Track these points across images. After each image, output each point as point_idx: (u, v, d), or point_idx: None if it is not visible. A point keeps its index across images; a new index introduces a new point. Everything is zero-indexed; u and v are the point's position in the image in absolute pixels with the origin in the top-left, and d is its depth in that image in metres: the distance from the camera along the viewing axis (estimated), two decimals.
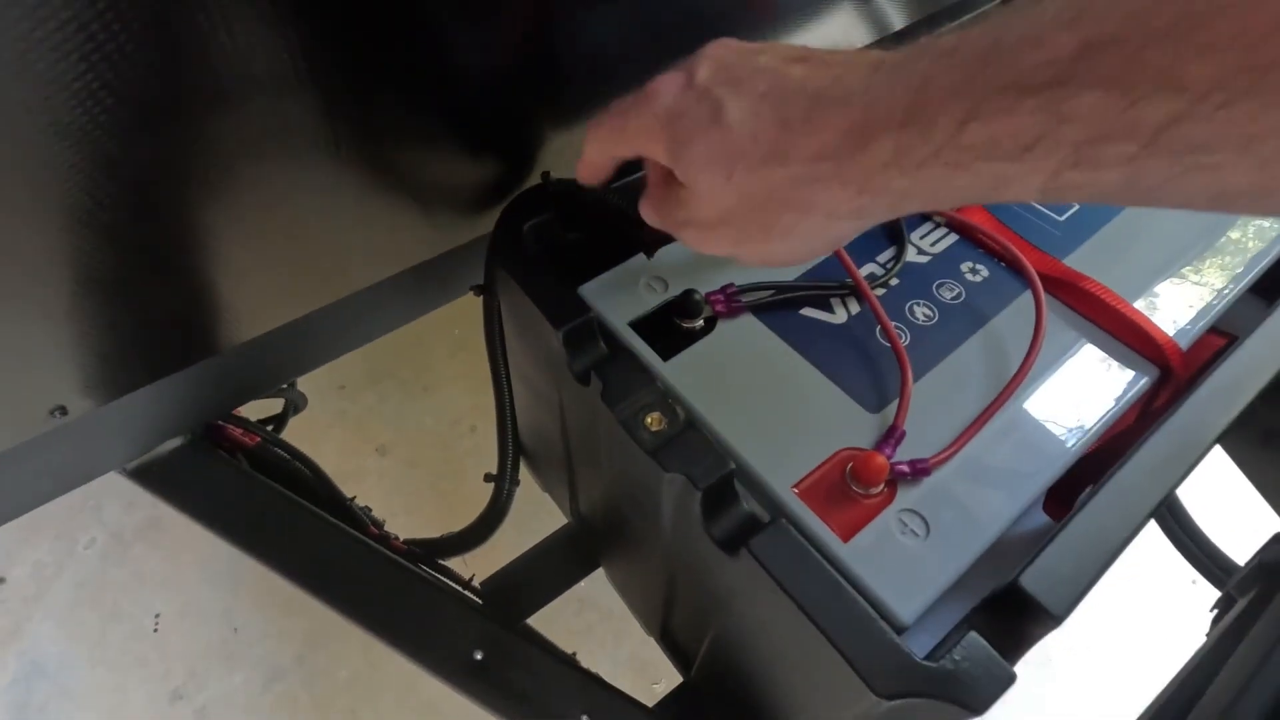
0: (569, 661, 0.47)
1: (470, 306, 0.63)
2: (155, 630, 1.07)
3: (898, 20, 0.63)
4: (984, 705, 0.27)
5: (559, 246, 0.44)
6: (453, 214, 0.52)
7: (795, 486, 0.36)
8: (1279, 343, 0.41)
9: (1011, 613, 0.29)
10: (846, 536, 0.34)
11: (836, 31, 0.60)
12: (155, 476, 0.53)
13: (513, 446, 0.58)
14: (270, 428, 0.64)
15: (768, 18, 0.55)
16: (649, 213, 0.33)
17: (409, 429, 1.31)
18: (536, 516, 0.65)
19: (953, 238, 0.48)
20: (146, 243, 0.38)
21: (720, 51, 0.27)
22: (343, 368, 1.36)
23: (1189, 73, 0.17)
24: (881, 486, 0.36)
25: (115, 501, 1.19)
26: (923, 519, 0.35)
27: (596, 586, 0.64)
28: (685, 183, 0.28)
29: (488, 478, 0.59)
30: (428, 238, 0.52)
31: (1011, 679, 0.27)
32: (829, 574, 0.30)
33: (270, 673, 1.03)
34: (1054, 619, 0.28)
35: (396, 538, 0.62)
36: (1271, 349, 0.41)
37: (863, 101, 0.23)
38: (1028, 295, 0.44)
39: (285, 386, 0.63)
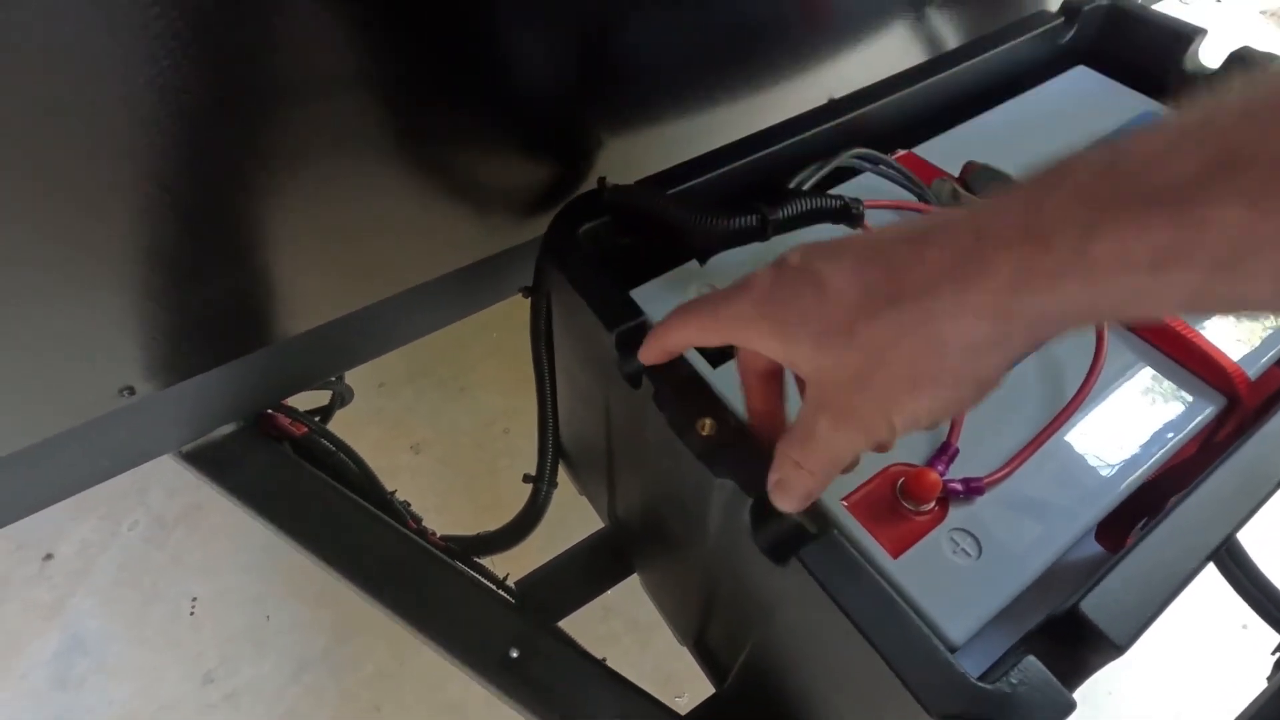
0: (601, 666, 0.47)
1: (509, 311, 0.64)
2: (192, 613, 1.09)
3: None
4: None
5: (612, 251, 0.45)
6: (506, 216, 0.53)
7: (845, 500, 0.35)
8: None
9: (1071, 639, 0.28)
10: (896, 552, 0.34)
11: (885, 47, 0.60)
12: (208, 460, 0.55)
13: (553, 448, 0.58)
14: (317, 419, 0.65)
15: (819, 22, 0.55)
16: (799, 478, 0.28)
17: (444, 428, 1.32)
18: (565, 522, 0.65)
19: None
20: (215, 234, 0.39)
21: (807, 244, 0.27)
22: (383, 365, 1.38)
23: None
24: (933, 504, 0.35)
25: (159, 487, 1.23)
26: (975, 539, 0.34)
27: (622, 595, 0.64)
28: (803, 369, 0.26)
29: (526, 478, 0.60)
30: (481, 239, 0.53)
31: (1071, 706, 0.26)
32: (881, 588, 0.29)
33: (299, 663, 1.05)
34: (1116, 648, 0.27)
35: (434, 533, 0.63)
36: None
37: (970, 227, 0.22)
38: None
39: (334, 379, 0.65)
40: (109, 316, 0.38)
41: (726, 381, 0.39)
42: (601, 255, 0.44)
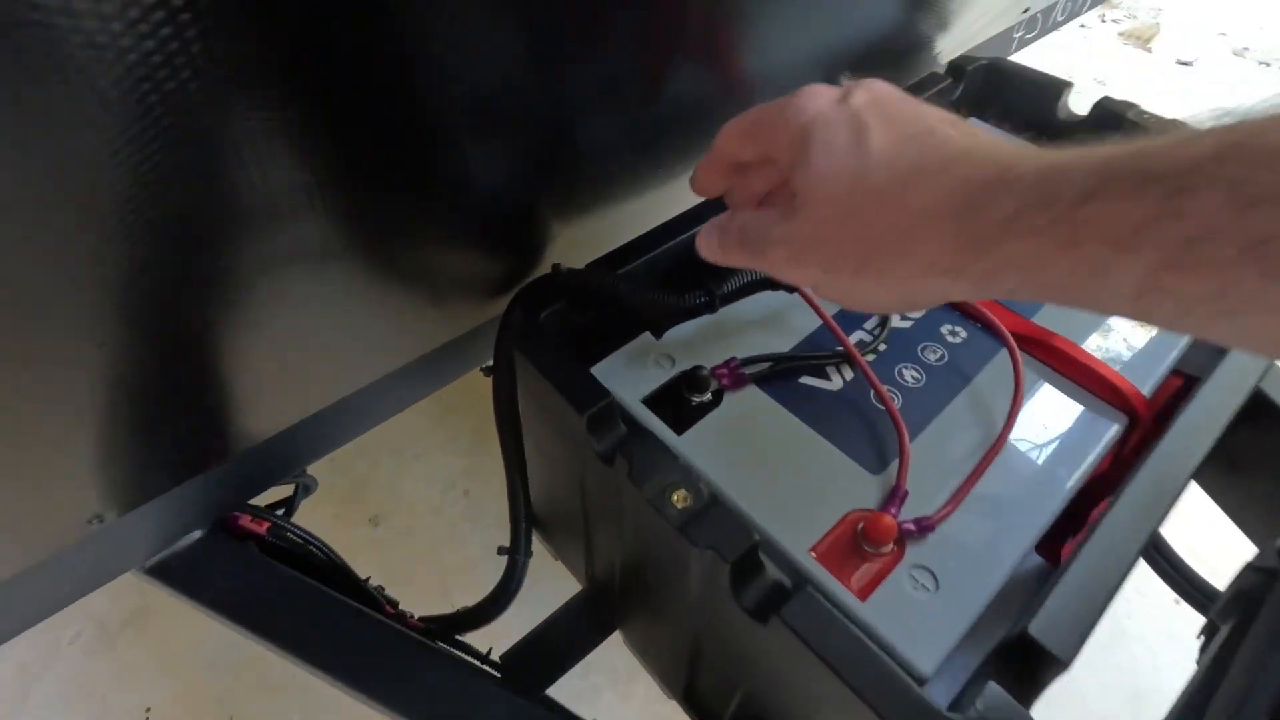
0: None
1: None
2: None
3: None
4: None
5: (570, 329, 0.47)
6: (462, 304, 0.55)
7: (812, 550, 0.38)
8: (1237, 379, 0.45)
9: (1023, 660, 0.32)
10: (864, 595, 0.37)
11: None
12: (174, 572, 0.54)
13: (525, 519, 0.59)
14: (281, 511, 0.65)
15: (742, 95, 0.59)
16: (725, 237, 0.32)
17: (402, 497, 1.30)
18: (538, 586, 0.66)
19: None
20: (178, 357, 0.40)
21: (880, 86, 0.28)
22: None
23: None
24: (891, 545, 0.38)
25: (100, 591, 1.16)
26: (931, 573, 0.37)
27: (599, 648, 0.65)
28: (800, 189, 0.27)
29: (501, 550, 0.61)
30: (438, 327, 0.55)
31: None
32: (854, 635, 0.32)
33: None
34: (1062, 664, 0.31)
35: (412, 615, 0.63)
36: (1230, 386, 0.45)
37: (1001, 165, 0.23)
38: (1003, 353, 0.48)
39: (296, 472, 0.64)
40: (77, 451, 0.38)
41: (692, 448, 0.42)
42: (561, 335, 0.46)
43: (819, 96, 0.28)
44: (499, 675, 0.59)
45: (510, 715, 0.51)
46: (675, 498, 0.36)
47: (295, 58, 0.31)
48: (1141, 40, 2.37)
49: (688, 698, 0.51)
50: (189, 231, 0.34)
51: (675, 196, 0.59)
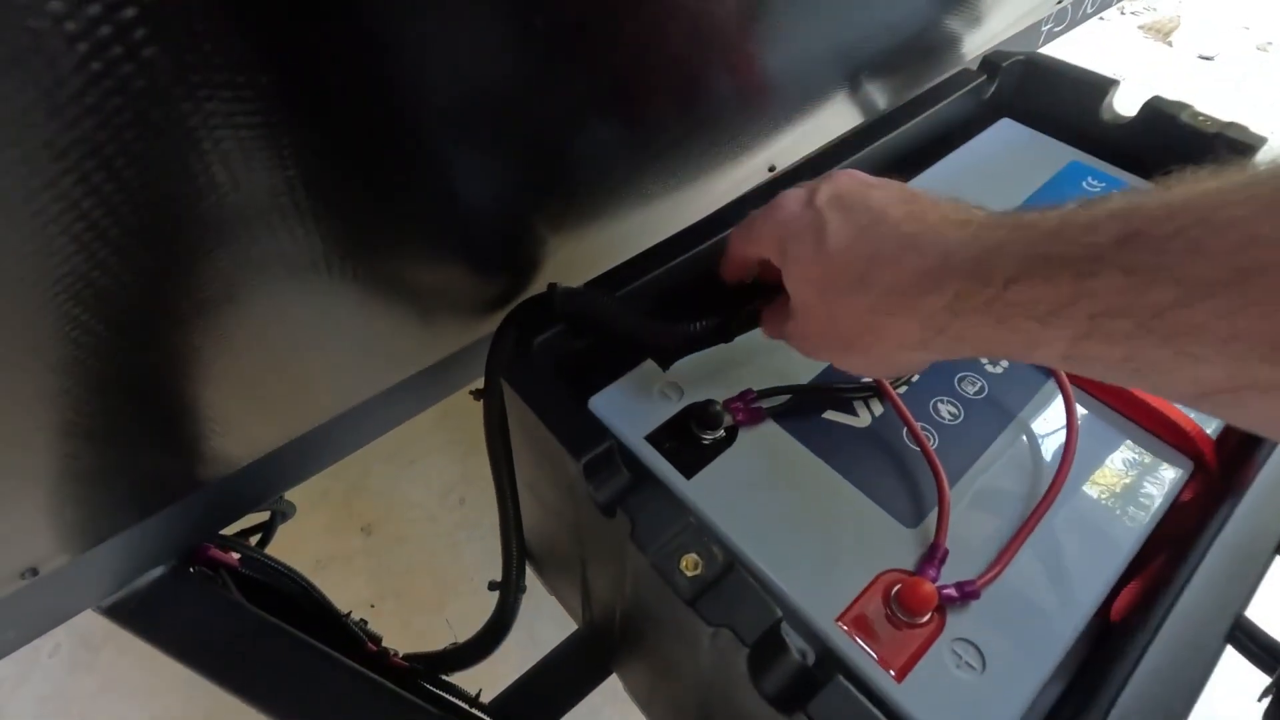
0: None
1: None
2: None
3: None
4: None
5: (566, 356, 0.42)
6: (451, 323, 0.50)
7: (839, 620, 0.33)
8: None
9: None
10: (901, 675, 0.32)
11: (820, 114, 0.60)
12: (131, 612, 0.49)
13: (517, 552, 0.55)
14: (258, 537, 0.60)
15: (756, 97, 0.54)
16: (771, 325, 0.38)
17: (396, 505, 1.26)
18: (530, 623, 0.61)
19: None
20: (133, 381, 0.35)
21: (843, 179, 0.32)
22: None
23: (1188, 269, 0.20)
24: (930, 614, 0.34)
25: None
26: (977, 649, 0.33)
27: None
28: (788, 287, 0.32)
29: (492, 585, 0.56)
30: (426, 348, 0.50)
31: None
32: None
33: None
34: None
35: (396, 653, 0.58)
36: None
37: (942, 252, 0.26)
38: (1049, 385, 0.43)
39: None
40: (14, 495, 0.33)
41: (702, 494, 0.37)
42: (556, 362, 0.42)
43: (790, 202, 0.32)
44: None
45: None
46: (685, 564, 0.31)
47: (281, 66, 0.27)
48: (1162, 34, 2.30)
49: None
50: (161, 244, 0.30)
51: (680, 210, 0.53)
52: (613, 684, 1.05)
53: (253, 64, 0.26)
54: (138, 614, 0.49)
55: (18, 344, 0.28)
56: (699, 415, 0.40)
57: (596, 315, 0.40)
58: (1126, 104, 0.60)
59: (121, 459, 0.38)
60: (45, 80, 0.22)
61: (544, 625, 0.62)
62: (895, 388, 0.42)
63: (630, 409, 0.41)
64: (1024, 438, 0.41)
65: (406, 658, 0.58)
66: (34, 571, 0.36)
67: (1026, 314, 0.24)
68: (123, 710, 1.02)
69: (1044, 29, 0.96)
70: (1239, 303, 0.19)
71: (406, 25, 0.30)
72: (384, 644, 0.60)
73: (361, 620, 0.60)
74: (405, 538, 1.23)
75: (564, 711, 0.55)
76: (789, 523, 0.37)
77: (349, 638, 0.57)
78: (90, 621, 1.16)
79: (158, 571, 0.51)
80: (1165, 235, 0.20)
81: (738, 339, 0.40)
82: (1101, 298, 0.22)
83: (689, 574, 0.31)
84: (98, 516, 0.40)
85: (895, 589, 0.34)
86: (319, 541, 1.24)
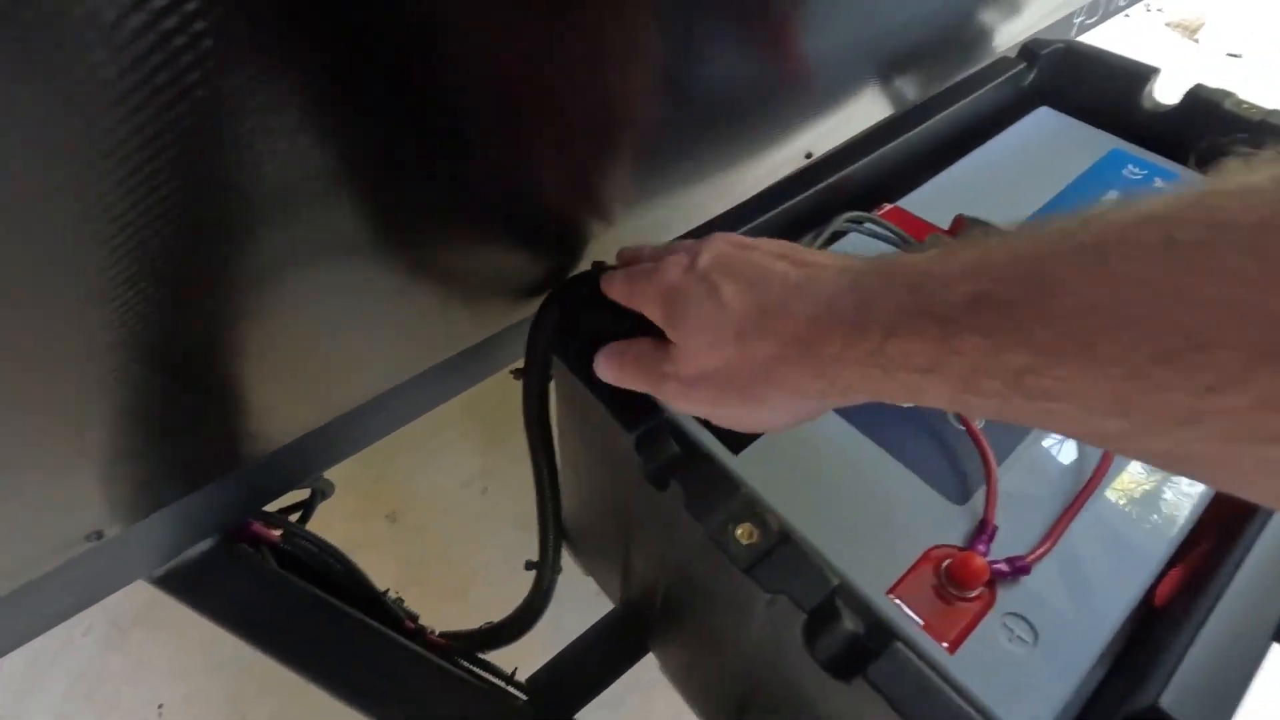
0: None
1: None
2: None
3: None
4: None
5: (609, 334, 0.43)
6: (492, 304, 0.50)
7: (890, 592, 0.34)
8: None
9: None
10: (953, 647, 0.32)
11: (858, 102, 0.61)
12: (182, 582, 0.50)
13: (554, 533, 0.55)
14: (298, 515, 0.61)
15: (796, 84, 0.54)
16: (624, 360, 0.35)
17: (419, 493, 1.27)
18: (563, 604, 0.62)
19: None
20: (191, 363, 0.36)
21: (721, 245, 0.32)
22: None
23: (1035, 334, 0.20)
24: (981, 588, 0.34)
25: None
26: (1029, 623, 0.33)
27: None
28: (677, 342, 0.31)
29: (529, 565, 0.57)
30: (466, 329, 0.51)
31: None
32: (952, 700, 0.28)
33: None
34: None
35: (432, 631, 0.59)
36: None
37: (826, 299, 0.27)
38: None
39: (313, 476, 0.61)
40: (70, 463, 0.34)
41: (749, 470, 0.38)
42: (600, 340, 0.42)
43: (672, 268, 0.32)
44: (524, 698, 0.55)
45: None
46: (740, 533, 0.32)
47: (322, 38, 0.27)
48: (1189, 31, 2.27)
49: None
50: (206, 226, 0.30)
51: (716, 195, 0.54)
52: (634, 674, 1.06)
53: (301, 36, 0.26)
54: (187, 584, 0.50)
55: (81, 325, 0.29)
56: None
57: None
58: (1163, 96, 0.60)
59: (173, 434, 0.39)
60: (100, 56, 0.22)
61: (569, 615, 0.62)
62: None
63: None
64: None
65: (443, 635, 0.59)
66: (99, 535, 0.37)
67: (907, 367, 0.23)
68: (151, 689, 1.04)
69: (1076, 21, 0.96)
70: (1085, 370, 0.19)
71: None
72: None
73: (399, 598, 0.61)
74: (427, 527, 1.25)
75: (600, 689, 0.56)
76: (836, 499, 0.37)
77: (387, 615, 0.58)
78: (121, 604, 1.18)
79: (205, 545, 0.52)
80: (1011, 300, 0.20)
81: None
82: (968, 357, 0.21)
83: (744, 543, 0.31)
84: (151, 488, 0.40)
85: (945, 563, 0.34)
86: (346, 527, 1.25)
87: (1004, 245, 0.21)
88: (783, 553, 0.31)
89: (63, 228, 0.26)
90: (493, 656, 0.60)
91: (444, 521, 1.25)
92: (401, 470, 1.29)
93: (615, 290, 0.37)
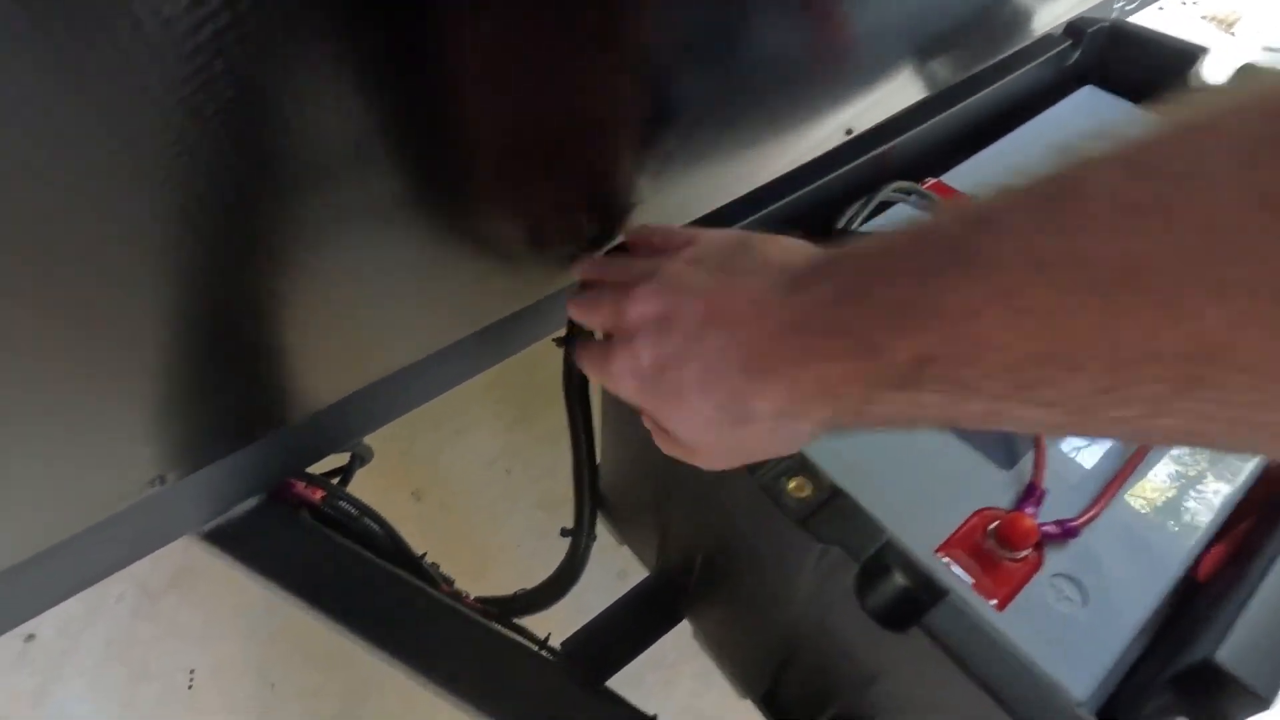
0: None
1: None
2: (190, 687, 1.03)
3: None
4: None
5: None
6: (535, 270, 0.51)
7: (939, 551, 0.34)
8: None
9: (1208, 693, 0.27)
10: (1002, 605, 0.32)
11: (899, 79, 0.60)
12: (230, 539, 0.51)
13: (591, 500, 0.56)
14: (336, 480, 0.62)
15: (838, 58, 0.54)
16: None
17: (443, 472, 1.28)
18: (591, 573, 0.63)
19: None
20: (241, 320, 0.37)
21: (677, 272, 0.29)
22: None
23: (985, 388, 0.19)
24: (1029, 549, 0.34)
25: None
26: (1077, 584, 0.33)
27: None
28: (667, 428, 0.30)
29: (564, 532, 0.57)
30: (509, 294, 0.52)
31: None
32: (1006, 652, 0.28)
33: None
34: (1261, 701, 0.26)
35: (468, 595, 0.60)
36: None
37: (779, 324, 0.25)
38: None
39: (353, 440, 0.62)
40: (144, 412, 0.35)
41: None
42: None
43: (622, 368, 0.30)
44: (559, 664, 0.56)
45: (568, 704, 0.47)
46: (792, 486, 0.32)
47: None
48: (1225, 24, 2.23)
49: (768, 701, 0.47)
50: (253, 184, 0.31)
51: (766, 164, 0.54)
52: (656, 651, 1.07)
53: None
54: (234, 540, 0.51)
55: (137, 281, 0.30)
56: None
57: None
58: (1210, 78, 0.59)
59: (230, 388, 0.40)
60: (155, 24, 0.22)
61: (592, 595, 0.63)
62: None
63: None
64: None
65: (479, 600, 0.60)
66: (161, 479, 0.38)
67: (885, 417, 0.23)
68: (182, 656, 1.06)
69: (1116, 6, 0.95)
70: (1030, 408, 0.19)
71: None
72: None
73: (434, 564, 0.62)
74: (451, 505, 1.26)
75: (633, 655, 0.56)
76: (883, 461, 0.37)
77: (425, 579, 0.59)
78: (151, 572, 1.21)
79: (251, 503, 0.53)
80: (955, 362, 0.19)
81: None
82: (931, 409, 0.21)
83: (797, 496, 0.32)
84: (208, 439, 0.42)
85: (994, 525, 0.34)
86: (371, 503, 1.27)
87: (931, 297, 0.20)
88: (835, 506, 0.31)
89: (116, 171, 0.26)
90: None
91: (468, 500, 1.27)
92: (426, 449, 1.31)
93: (578, 313, 0.36)
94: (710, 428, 0.27)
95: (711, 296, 0.27)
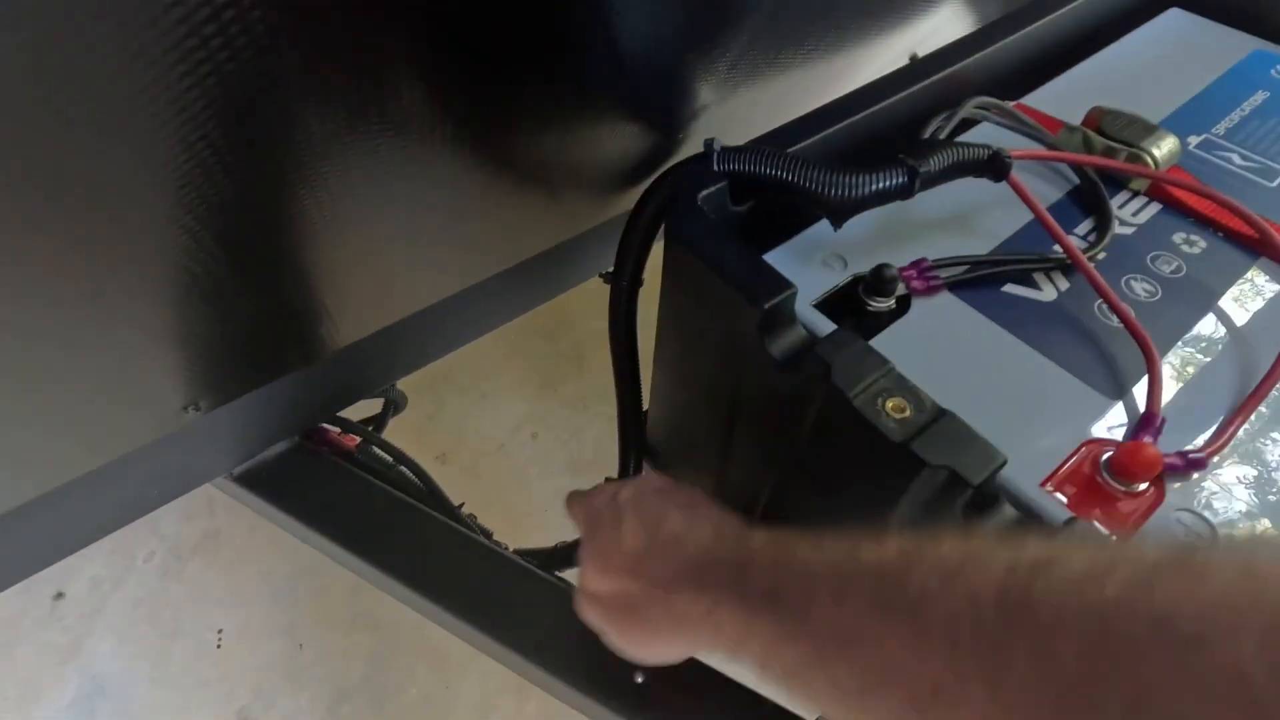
0: (731, 683, 0.42)
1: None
2: (218, 647, 1.03)
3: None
4: None
5: (726, 219, 0.40)
6: (584, 197, 0.48)
7: (1045, 484, 0.31)
8: None
9: None
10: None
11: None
12: (263, 481, 0.49)
13: (636, 447, 0.53)
14: (370, 428, 0.60)
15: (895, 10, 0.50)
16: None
17: (468, 436, 1.26)
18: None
19: (1155, 207, 0.43)
20: (279, 244, 0.35)
21: (643, 485, 0.35)
22: None
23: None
24: (1148, 483, 0.31)
25: (173, 514, 1.16)
26: (1208, 523, 0.30)
27: None
28: (582, 559, 0.34)
29: (608, 482, 0.55)
30: (555, 224, 0.48)
31: None
32: None
33: (337, 693, 0.99)
34: None
35: (507, 548, 0.58)
36: None
37: (689, 554, 0.29)
38: (1256, 268, 0.39)
39: (387, 386, 0.59)
40: (176, 335, 0.33)
41: (890, 350, 0.35)
42: (723, 224, 0.39)
43: (602, 493, 0.36)
44: None
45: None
46: (891, 406, 0.29)
47: None
48: None
49: None
50: (289, 108, 0.28)
51: (819, 90, 0.50)
52: None
53: None
54: (267, 483, 0.49)
55: (172, 213, 0.28)
56: (872, 282, 0.37)
57: (763, 168, 0.37)
58: None
59: (260, 317, 0.37)
60: None
61: None
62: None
63: (798, 273, 0.38)
64: (1232, 316, 0.37)
65: (518, 552, 0.57)
66: (196, 406, 0.36)
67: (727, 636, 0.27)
68: (210, 617, 1.06)
69: None
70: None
71: None
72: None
73: (472, 515, 0.60)
74: (478, 469, 1.24)
75: None
76: (977, 392, 0.34)
77: (464, 528, 0.57)
78: (180, 533, 1.20)
79: (282, 446, 0.51)
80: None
81: (899, 208, 0.37)
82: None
83: (897, 417, 0.29)
84: (241, 368, 0.39)
85: (1107, 456, 0.31)
86: None
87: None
88: (944, 427, 0.28)
89: (154, 99, 0.24)
90: None
91: (494, 464, 1.25)
92: (452, 412, 1.29)
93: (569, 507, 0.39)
94: (614, 574, 0.32)
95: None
